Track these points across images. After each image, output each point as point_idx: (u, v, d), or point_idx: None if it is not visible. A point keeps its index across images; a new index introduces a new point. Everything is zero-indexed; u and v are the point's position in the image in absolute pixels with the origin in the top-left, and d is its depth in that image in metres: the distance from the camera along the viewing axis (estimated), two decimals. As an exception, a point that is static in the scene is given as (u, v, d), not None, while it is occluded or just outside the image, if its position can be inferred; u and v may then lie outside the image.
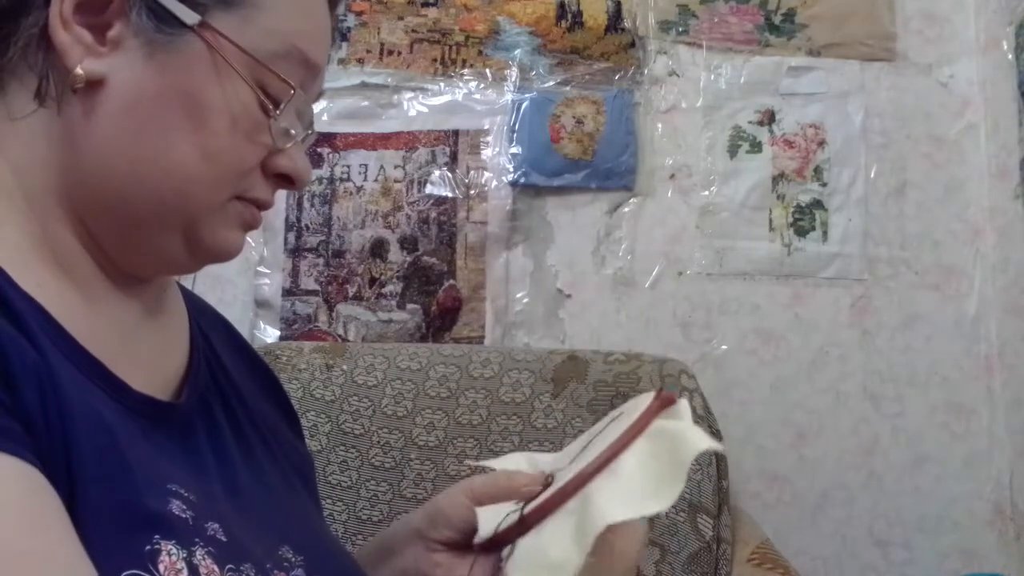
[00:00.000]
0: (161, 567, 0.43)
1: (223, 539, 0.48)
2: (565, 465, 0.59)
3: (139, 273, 0.55)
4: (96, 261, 0.53)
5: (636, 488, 0.51)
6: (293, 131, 0.54)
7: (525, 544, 0.55)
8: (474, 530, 0.59)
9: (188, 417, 0.56)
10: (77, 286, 0.51)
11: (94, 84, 0.49)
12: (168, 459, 0.50)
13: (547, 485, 0.59)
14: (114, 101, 0.50)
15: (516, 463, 0.65)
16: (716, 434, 1.38)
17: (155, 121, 0.50)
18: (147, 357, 0.55)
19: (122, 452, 0.45)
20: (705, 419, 1.35)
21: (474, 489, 0.62)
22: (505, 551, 0.57)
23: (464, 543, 0.62)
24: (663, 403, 0.55)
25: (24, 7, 0.50)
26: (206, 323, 0.66)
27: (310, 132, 0.58)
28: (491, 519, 0.58)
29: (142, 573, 0.42)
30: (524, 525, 0.55)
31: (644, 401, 0.57)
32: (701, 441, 0.51)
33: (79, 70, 0.49)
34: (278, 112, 0.52)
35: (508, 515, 0.57)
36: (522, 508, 0.56)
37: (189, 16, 0.50)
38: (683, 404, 0.56)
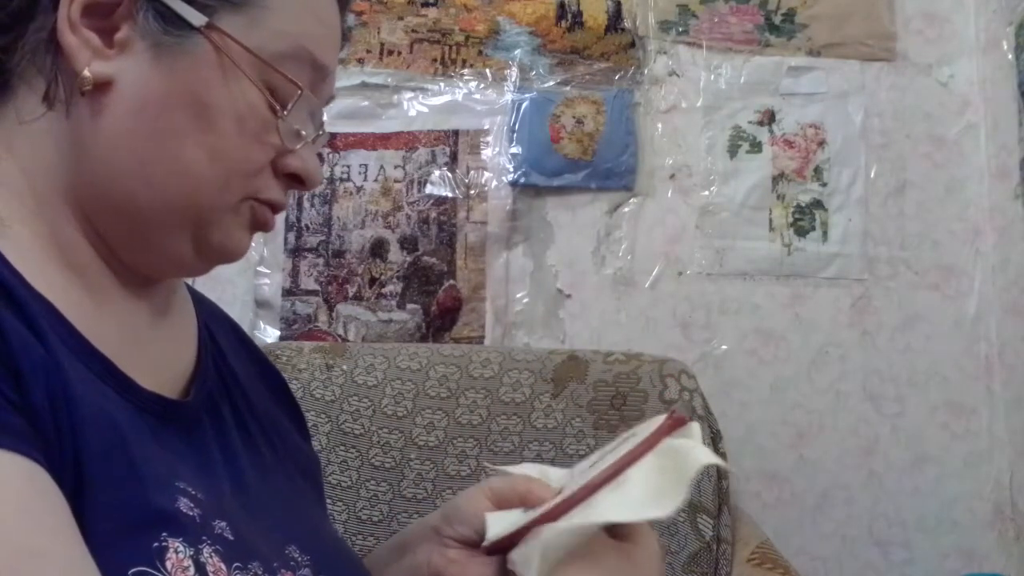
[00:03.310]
0: (168, 564, 0.43)
1: (230, 537, 0.48)
2: (576, 479, 0.60)
3: (149, 273, 0.55)
4: (105, 261, 0.53)
5: (637, 496, 0.52)
6: (304, 132, 0.54)
7: (526, 546, 0.55)
8: None
9: (196, 415, 0.56)
10: (87, 286, 0.51)
11: (102, 86, 0.49)
12: (176, 457, 0.50)
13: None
14: (122, 103, 0.50)
15: (530, 473, 0.65)
16: (716, 434, 1.38)
17: (162, 122, 0.50)
18: (156, 356, 0.55)
19: (130, 450, 0.46)
20: (705, 419, 1.35)
21: (493, 490, 0.62)
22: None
23: (479, 542, 0.62)
24: (675, 423, 0.56)
25: (32, 11, 0.50)
26: (214, 324, 0.66)
27: (321, 133, 0.58)
28: (499, 523, 0.59)
29: (149, 570, 0.42)
30: (527, 531, 0.56)
31: (657, 422, 0.57)
32: (705, 456, 0.52)
33: (87, 72, 0.49)
34: (285, 113, 0.52)
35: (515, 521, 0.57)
36: (531, 517, 0.57)
37: (196, 18, 0.50)
38: (694, 426, 0.57)
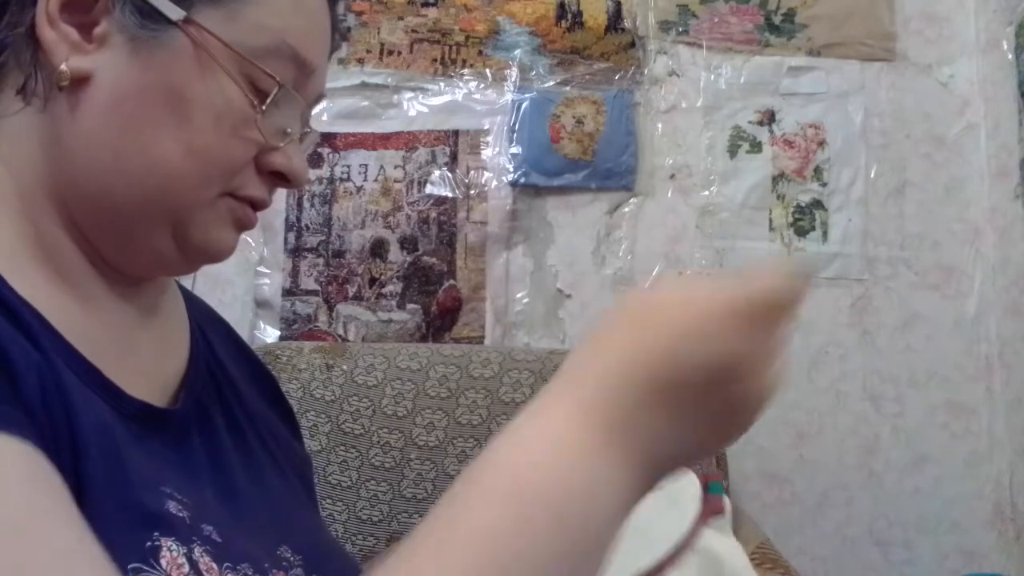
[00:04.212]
0: (163, 563, 0.43)
1: (218, 539, 0.48)
2: None
3: (134, 273, 0.55)
4: (91, 262, 0.52)
5: None
6: (290, 129, 0.54)
7: None
8: None
9: (183, 423, 0.55)
10: (72, 288, 0.51)
11: (80, 81, 0.49)
12: (162, 463, 0.50)
13: None
14: (99, 97, 0.50)
15: None
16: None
17: (139, 117, 0.50)
18: (144, 361, 0.55)
19: (121, 452, 0.46)
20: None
21: None
22: None
23: None
24: (711, 511, 0.55)
25: (6, 6, 0.50)
26: (207, 324, 0.66)
27: (308, 130, 0.57)
28: None
29: (145, 568, 0.42)
30: None
31: (689, 489, 0.56)
32: None
33: (64, 67, 0.49)
34: (263, 107, 0.52)
35: None
36: None
37: (174, 11, 0.49)
38: (727, 514, 0.55)
